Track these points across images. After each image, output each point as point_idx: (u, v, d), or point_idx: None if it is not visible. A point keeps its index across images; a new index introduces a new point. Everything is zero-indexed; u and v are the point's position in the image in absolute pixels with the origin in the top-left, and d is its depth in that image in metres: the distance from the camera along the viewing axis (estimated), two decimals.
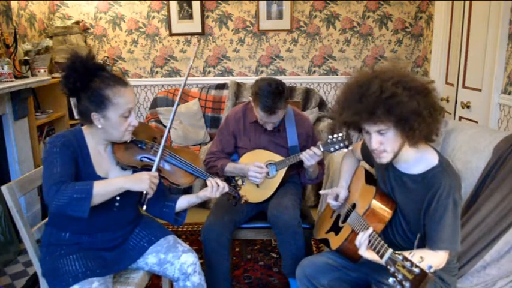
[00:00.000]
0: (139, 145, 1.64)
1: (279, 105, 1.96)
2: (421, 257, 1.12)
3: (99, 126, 1.51)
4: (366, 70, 1.38)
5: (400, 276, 1.10)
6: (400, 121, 1.29)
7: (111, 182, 1.47)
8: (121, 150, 1.59)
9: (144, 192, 1.51)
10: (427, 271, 1.06)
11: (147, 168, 1.60)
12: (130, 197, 1.58)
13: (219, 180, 1.70)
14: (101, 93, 1.47)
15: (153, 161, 1.60)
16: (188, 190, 3.44)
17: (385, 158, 1.38)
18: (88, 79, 1.47)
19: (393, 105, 1.26)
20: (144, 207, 1.56)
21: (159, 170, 1.61)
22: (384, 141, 1.34)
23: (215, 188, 1.67)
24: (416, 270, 1.07)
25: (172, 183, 1.67)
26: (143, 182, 1.47)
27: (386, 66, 1.39)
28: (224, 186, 1.69)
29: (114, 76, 1.53)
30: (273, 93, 1.93)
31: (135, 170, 1.62)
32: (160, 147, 1.61)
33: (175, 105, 1.76)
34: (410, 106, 1.26)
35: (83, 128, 1.58)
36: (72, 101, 3.72)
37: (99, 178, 1.53)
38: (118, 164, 1.60)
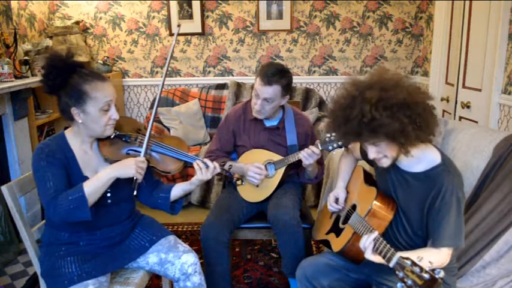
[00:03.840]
0: (124, 139, 1.65)
1: (276, 79, 2.00)
2: (430, 262, 1.11)
3: (80, 121, 1.52)
4: (351, 86, 1.37)
5: (409, 282, 1.09)
6: (388, 138, 1.30)
7: (98, 177, 1.48)
8: (106, 146, 1.61)
9: (134, 178, 1.54)
10: (437, 276, 1.05)
11: None
12: (121, 190, 1.61)
13: (208, 161, 1.67)
14: (79, 88, 1.49)
15: (140, 152, 1.62)
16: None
17: (385, 163, 1.41)
18: (67, 75, 1.50)
19: (375, 127, 1.28)
20: (135, 193, 1.58)
21: (146, 160, 1.63)
22: (380, 151, 1.37)
23: (204, 169, 1.65)
24: (426, 276, 1.06)
25: (161, 172, 1.68)
26: (129, 168, 1.50)
27: (371, 77, 1.37)
28: (215, 167, 1.67)
29: (92, 72, 1.56)
30: (275, 67, 2.04)
31: None
32: (145, 137, 1.64)
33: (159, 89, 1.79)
34: (393, 126, 1.27)
35: (66, 132, 1.60)
36: None
37: (87, 179, 1.53)
38: (106, 160, 1.62)
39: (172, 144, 1.72)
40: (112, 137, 1.62)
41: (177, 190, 1.74)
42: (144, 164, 1.55)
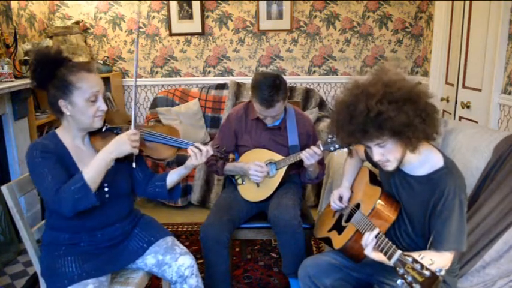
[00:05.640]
0: (115, 131, 1.66)
1: (276, 98, 1.96)
2: (431, 260, 1.11)
3: (68, 113, 1.53)
4: (353, 86, 1.37)
5: (409, 279, 1.09)
6: (394, 134, 1.29)
7: (95, 163, 1.46)
8: (98, 140, 1.62)
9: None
10: (438, 274, 1.05)
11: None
12: (118, 184, 1.61)
13: (200, 145, 1.68)
14: (65, 79, 1.50)
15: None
16: (188, 190, 3.45)
17: (390, 167, 1.39)
18: (54, 68, 1.52)
19: (382, 122, 1.27)
20: (134, 165, 1.62)
21: (140, 150, 1.63)
22: (385, 153, 1.35)
23: (198, 154, 1.67)
24: (427, 273, 1.06)
25: (156, 160, 1.71)
26: (124, 144, 1.50)
27: (372, 76, 1.37)
28: (208, 150, 1.68)
29: (79, 63, 1.58)
30: (269, 86, 1.95)
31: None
32: (132, 109, 1.66)
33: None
34: (399, 119, 1.26)
35: (57, 130, 1.60)
36: None
37: None
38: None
39: (164, 132, 1.74)
40: (103, 130, 1.63)
41: (173, 175, 1.76)
42: (136, 136, 1.55)
